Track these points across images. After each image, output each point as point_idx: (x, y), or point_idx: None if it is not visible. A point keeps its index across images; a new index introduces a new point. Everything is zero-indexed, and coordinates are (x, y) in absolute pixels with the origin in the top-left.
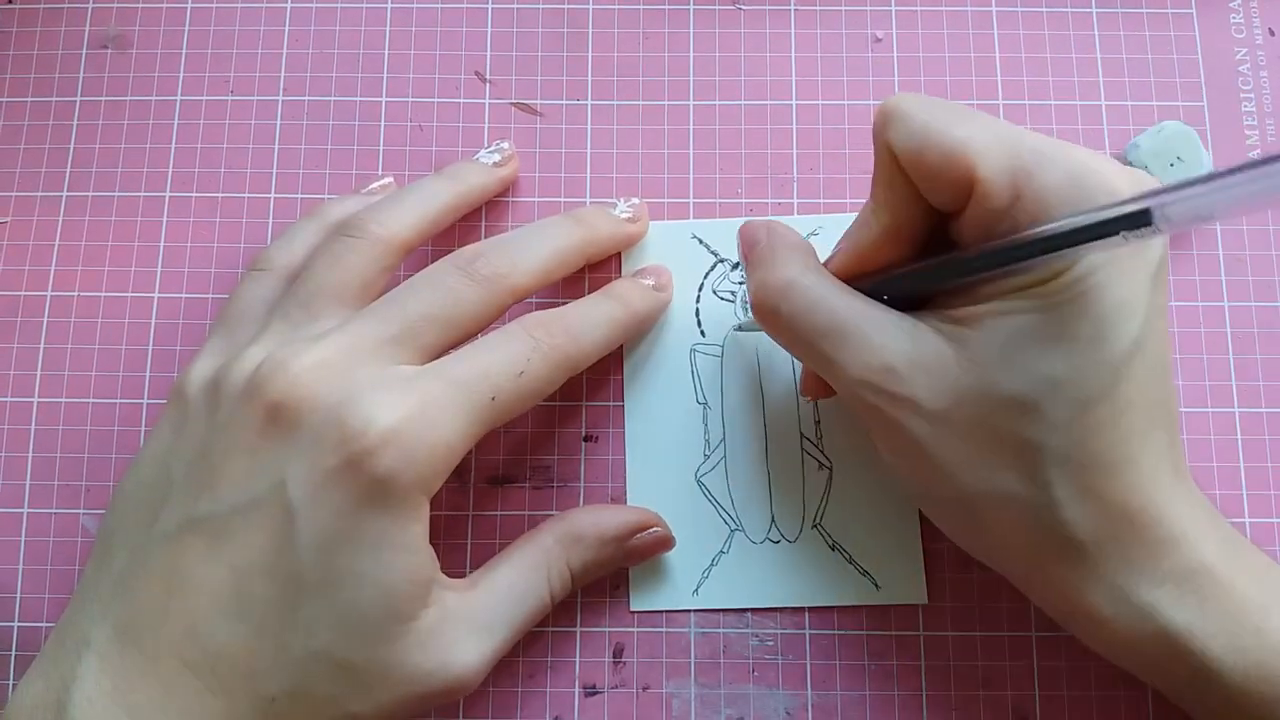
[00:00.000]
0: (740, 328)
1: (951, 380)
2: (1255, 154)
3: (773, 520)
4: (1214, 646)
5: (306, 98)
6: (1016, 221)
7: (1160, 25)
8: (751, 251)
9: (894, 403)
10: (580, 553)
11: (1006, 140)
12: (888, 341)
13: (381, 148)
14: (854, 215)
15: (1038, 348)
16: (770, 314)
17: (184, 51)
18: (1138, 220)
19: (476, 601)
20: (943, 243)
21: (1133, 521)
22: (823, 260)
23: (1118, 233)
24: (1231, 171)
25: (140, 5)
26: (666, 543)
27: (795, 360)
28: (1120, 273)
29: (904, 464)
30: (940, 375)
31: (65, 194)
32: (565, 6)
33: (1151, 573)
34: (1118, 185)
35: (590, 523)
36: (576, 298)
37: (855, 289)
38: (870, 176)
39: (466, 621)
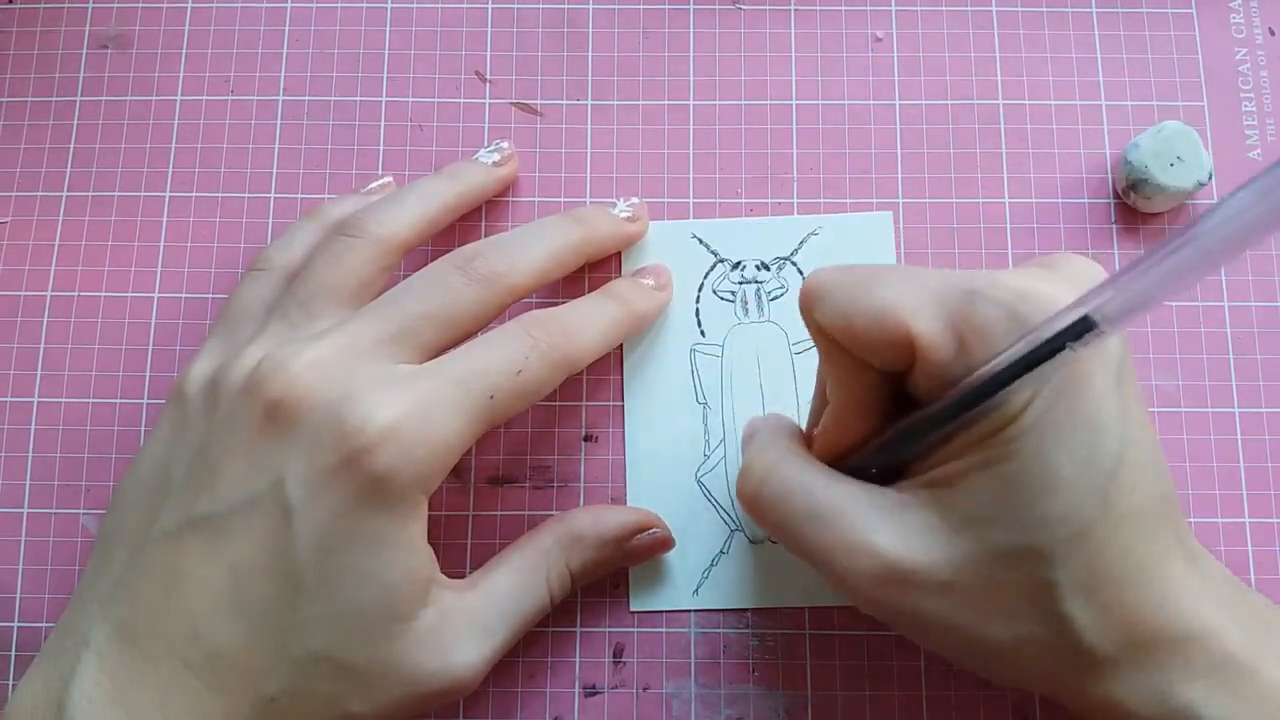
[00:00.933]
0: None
1: (947, 550)
2: (1255, 153)
3: None
4: None
5: (306, 98)
6: (968, 365)
7: (1160, 25)
8: (746, 446)
9: (892, 589)
10: (580, 554)
11: (934, 290)
12: (871, 522)
13: (381, 148)
14: (854, 215)
15: (1024, 495)
16: (752, 498)
17: (184, 51)
18: (1081, 328)
19: (476, 602)
20: (908, 403)
21: (1150, 626)
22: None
23: (1065, 347)
24: (1154, 253)
25: (140, 5)
26: (666, 543)
27: (795, 359)
28: (1081, 392)
29: (923, 640)
30: (935, 548)
31: (65, 194)
32: (565, 6)
33: (1182, 671)
34: (1055, 302)
35: (590, 523)
36: (576, 297)
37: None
38: (869, 176)
39: (466, 622)
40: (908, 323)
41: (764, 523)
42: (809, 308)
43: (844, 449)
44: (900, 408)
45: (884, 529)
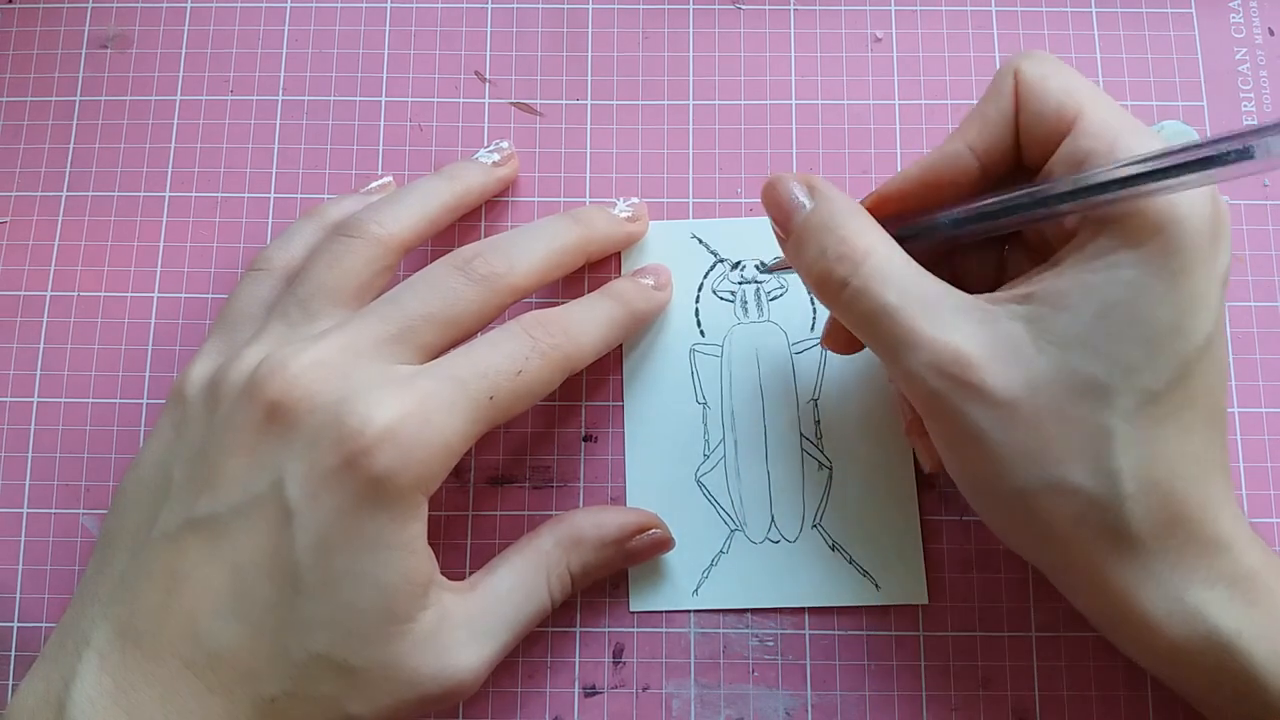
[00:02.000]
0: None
1: (1025, 366)
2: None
3: (772, 520)
4: (1260, 652)
5: (306, 97)
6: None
7: (1160, 25)
8: (793, 217)
9: (960, 390)
10: (580, 555)
11: (1119, 109)
12: (958, 322)
13: (381, 147)
14: None
15: (1116, 330)
16: (838, 286)
17: (183, 51)
18: (1237, 155)
19: (476, 605)
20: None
21: (1190, 519)
22: (872, 195)
23: (1213, 165)
24: None
25: (140, 5)
26: (666, 544)
27: (795, 359)
28: (1198, 266)
29: (958, 454)
30: (1014, 361)
31: (65, 194)
32: (565, 6)
33: (1204, 574)
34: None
35: (590, 525)
36: (576, 297)
37: (925, 255)
38: (869, 176)
39: (466, 625)
40: (1084, 106)
41: (848, 310)
42: (1020, 59)
43: (933, 193)
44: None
45: (969, 329)
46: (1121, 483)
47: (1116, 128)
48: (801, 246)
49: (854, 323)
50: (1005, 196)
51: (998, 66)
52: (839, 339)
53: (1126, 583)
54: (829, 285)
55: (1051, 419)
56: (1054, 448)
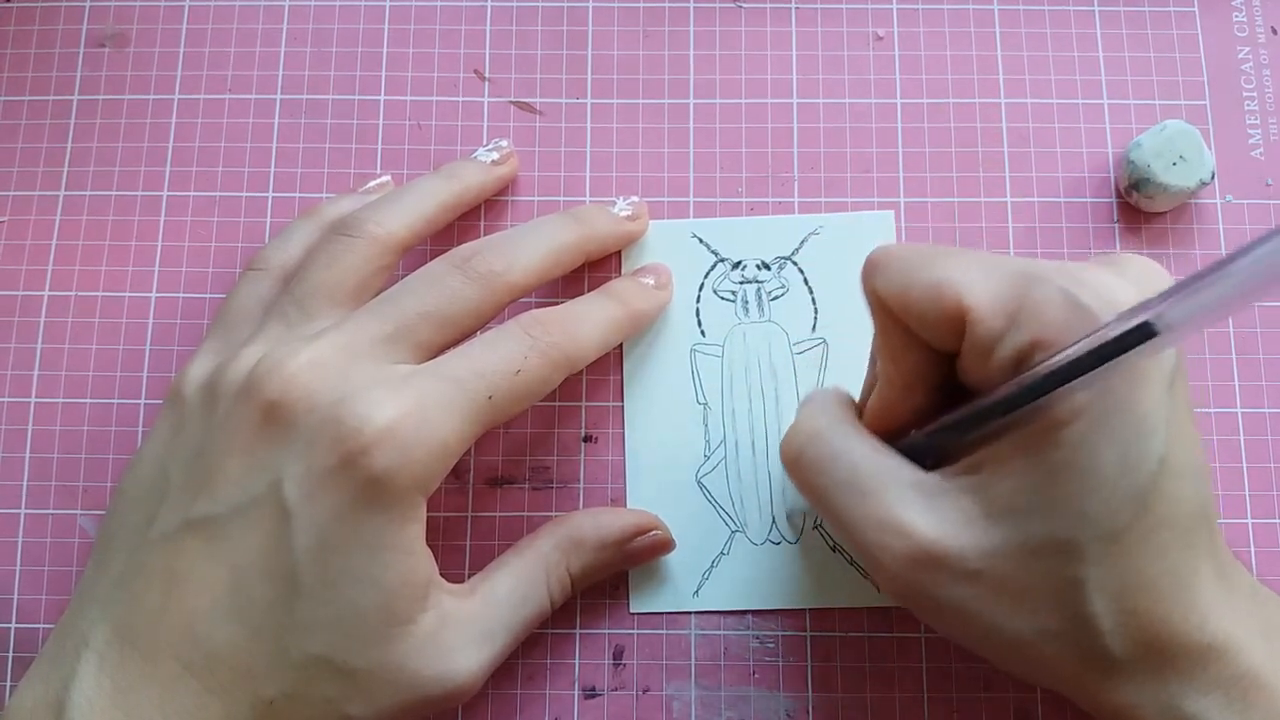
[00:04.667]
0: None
1: (980, 536)
2: (1257, 152)
3: (773, 521)
4: None
5: (304, 96)
6: (1017, 345)
7: (1163, 24)
8: (800, 410)
9: (919, 570)
10: (580, 557)
11: (991, 267)
12: (908, 502)
13: (380, 146)
14: (855, 214)
15: (1065, 488)
16: (795, 459)
17: (181, 50)
18: (1141, 334)
19: (476, 607)
20: (957, 394)
21: (1173, 635)
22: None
23: (1123, 352)
24: (1224, 262)
25: (138, 4)
26: (666, 545)
27: (796, 359)
28: (1136, 393)
29: (941, 625)
30: (967, 534)
31: (62, 193)
32: (565, 5)
33: (1198, 684)
34: (1115, 295)
35: (590, 527)
36: (576, 297)
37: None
38: (870, 175)
39: (466, 627)
40: (962, 295)
41: (802, 486)
42: (869, 276)
43: (891, 427)
44: (950, 398)
45: (920, 510)
46: (1099, 623)
47: (1003, 300)
48: None
49: (808, 496)
50: (939, 425)
51: (999, 66)
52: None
53: (1124, 701)
54: (788, 458)
55: (1018, 580)
56: (1027, 604)
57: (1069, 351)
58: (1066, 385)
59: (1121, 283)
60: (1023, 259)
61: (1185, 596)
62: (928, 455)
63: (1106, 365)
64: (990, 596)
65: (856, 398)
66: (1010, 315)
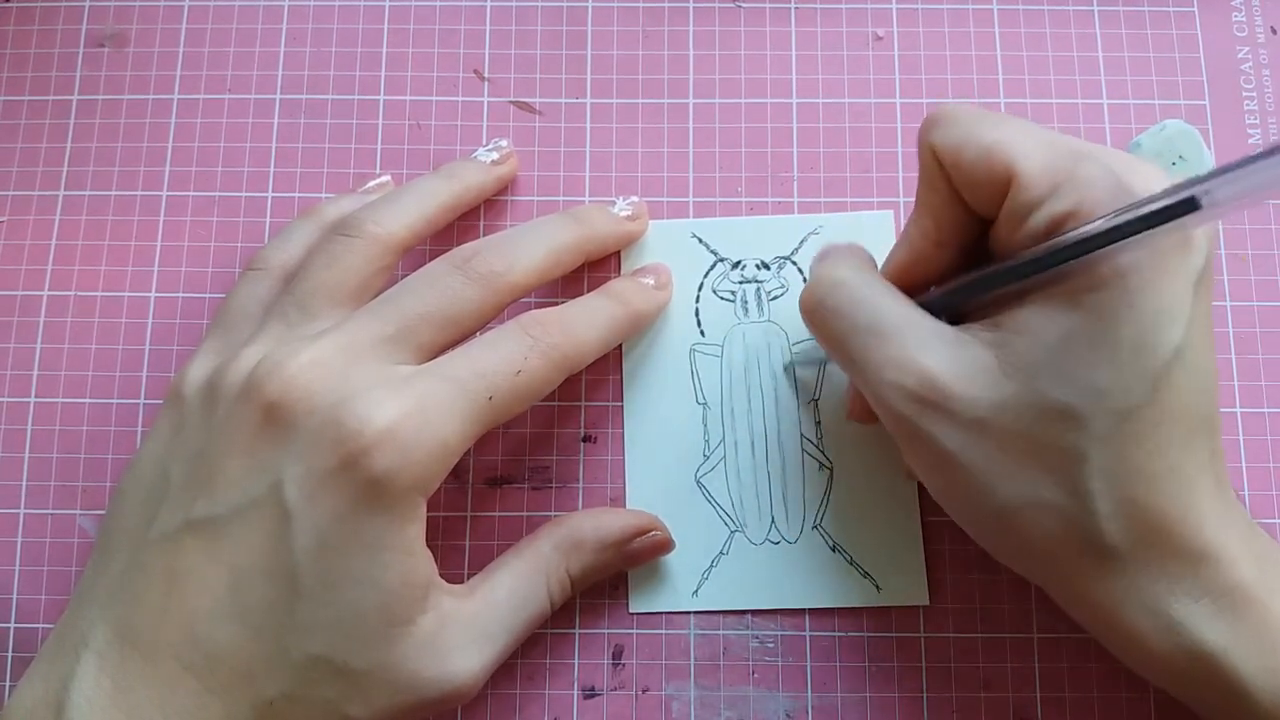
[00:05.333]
0: (794, 359)
1: (991, 388)
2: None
3: (773, 521)
4: (1248, 668)
5: (304, 96)
6: (1054, 217)
7: (1162, 24)
8: (816, 261)
9: (927, 411)
10: (580, 558)
11: (1044, 139)
12: (927, 345)
13: (379, 146)
14: (855, 214)
15: (1081, 354)
16: (815, 307)
17: (181, 50)
18: (1184, 208)
19: (476, 609)
20: (985, 259)
21: (1170, 533)
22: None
23: (1166, 221)
24: (1270, 151)
25: (138, 4)
26: (666, 546)
27: (795, 357)
28: (1162, 278)
29: (935, 477)
30: (980, 383)
31: (62, 193)
32: (564, 5)
33: (1188, 587)
34: (1157, 182)
35: (590, 528)
36: (576, 297)
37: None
38: (869, 175)
39: (466, 629)
40: (1013, 160)
41: (820, 332)
42: (928, 129)
43: (914, 281)
44: (975, 260)
45: (938, 354)
46: (1095, 501)
47: (1051, 169)
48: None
49: (826, 343)
50: (962, 282)
51: (999, 66)
52: (857, 407)
53: (1110, 597)
54: (810, 305)
55: (1021, 440)
56: (1026, 467)
57: (1108, 219)
58: (1100, 250)
59: (1164, 177)
60: (1078, 140)
61: (1185, 497)
62: (944, 312)
63: (1145, 234)
64: (991, 451)
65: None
66: (1055, 185)
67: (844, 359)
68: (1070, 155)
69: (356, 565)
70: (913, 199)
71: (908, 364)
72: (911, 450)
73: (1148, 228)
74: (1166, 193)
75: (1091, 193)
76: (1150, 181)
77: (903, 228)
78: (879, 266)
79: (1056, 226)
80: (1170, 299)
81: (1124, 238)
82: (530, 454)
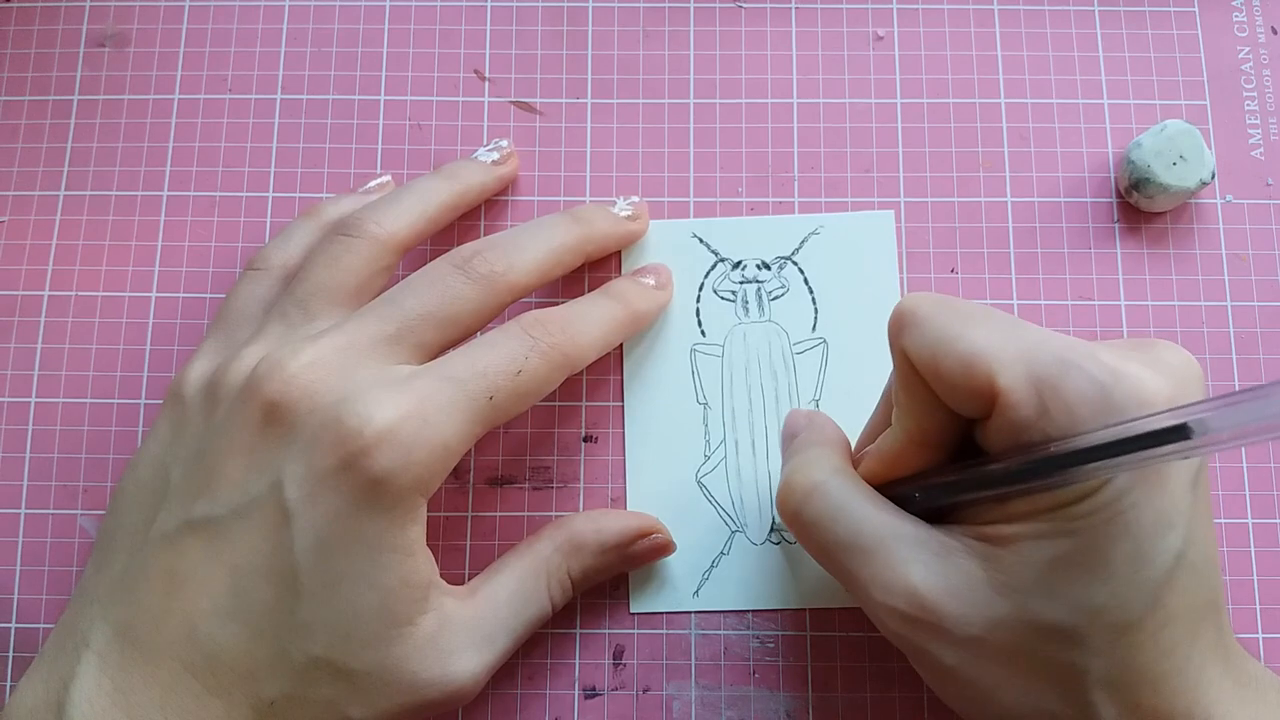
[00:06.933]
0: (775, 527)
1: (984, 605)
2: (1258, 152)
3: (774, 521)
4: None
5: (304, 96)
6: (1045, 432)
7: (1163, 23)
8: (788, 444)
9: (920, 630)
10: (580, 560)
11: (1026, 348)
12: (913, 560)
13: (380, 146)
14: (855, 214)
15: (1075, 575)
16: (793, 518)
17: (181, 50)
18: (1176, 436)
19: (476, 610)
20: (973, 446)
21: None
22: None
23: (1152, 448)
24: (1275, 384)
25: (138, 4)
26: (667, 548)
27: (796, 359)
28: (1157, 487)
29: (939, 686)
30: (971, 600)
31: (62, 193)
32: (565, 4)
33: None
34: (1149, 392)
35: (591, 530)
36: (576, 297)
37: (885, 497)
38: (870, 175)
39: (466, 630)
40: (995, 374)
41: (804, 542)
42: (898, 332)
43: (895, 477)
44: (963, 452)
45: (925, 570)
46: (1099, 710)
47: (1036, 383)
48: (781, 473)
49: (810, 552)
50: (944, 480)
51: (999, 65)
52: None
53: None
54: (786, 513)
55: (1019, 656)
56: (1027, 680)
57: (1095, 437)
58: (1084, 468)
59: (1158, 380)
60: (1055, 336)
61: (1189, 693)
62: (921, 505)
63: (1133, 456)
64: (990, 666)
65: (848, 433)
66: (1043, 403)
67: (830, 571)
68: (1055, 364)
69: (357, 565)
70: (913, 199)
71: (895, 584)
72: (913, 661)
73: (1139, 449)
74: (1157, 417)
75: (1081, 414)
76: (1138, 390)
77: (873, 413)
78: (855, 442)
79: (1047, 445)
80: (1167, 506)
81: (1112, 457)
82: (531, 454)
